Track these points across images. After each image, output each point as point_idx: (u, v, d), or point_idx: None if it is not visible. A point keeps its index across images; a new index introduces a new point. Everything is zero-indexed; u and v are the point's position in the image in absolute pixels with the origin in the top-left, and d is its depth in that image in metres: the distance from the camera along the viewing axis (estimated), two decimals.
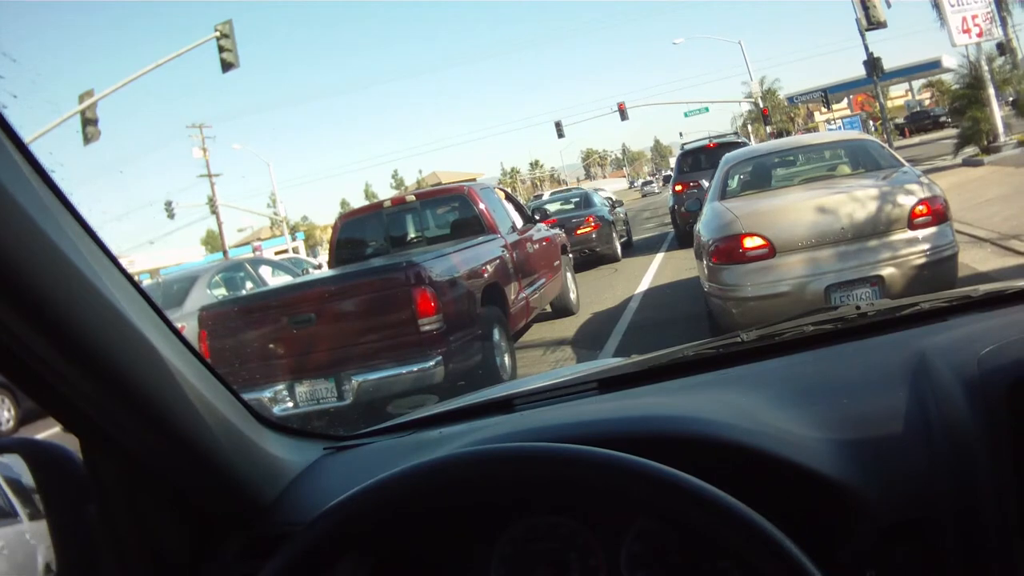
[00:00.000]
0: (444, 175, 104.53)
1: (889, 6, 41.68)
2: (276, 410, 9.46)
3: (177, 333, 1.75)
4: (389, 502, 1.42)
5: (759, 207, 9.87)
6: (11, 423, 17.43)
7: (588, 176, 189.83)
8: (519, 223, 14.48)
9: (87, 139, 31.97)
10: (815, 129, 78.67)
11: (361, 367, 9.45)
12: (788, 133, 76.75)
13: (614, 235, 26.08)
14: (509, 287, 11.99)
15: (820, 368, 2.12)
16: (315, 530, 1.41)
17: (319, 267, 26.09)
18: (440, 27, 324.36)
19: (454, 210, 13.93)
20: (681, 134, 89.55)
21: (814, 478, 1.59)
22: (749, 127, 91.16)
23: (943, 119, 63.92)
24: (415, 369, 9.31)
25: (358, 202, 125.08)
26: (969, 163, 29.72)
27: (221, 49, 31.61)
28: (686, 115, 79.73)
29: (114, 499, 1.73)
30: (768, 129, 71.02)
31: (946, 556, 1.48)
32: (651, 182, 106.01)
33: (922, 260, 8.72)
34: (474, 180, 24.24)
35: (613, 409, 2.10)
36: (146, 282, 23.44)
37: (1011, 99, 35.08)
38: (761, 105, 72.17)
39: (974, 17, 31.68)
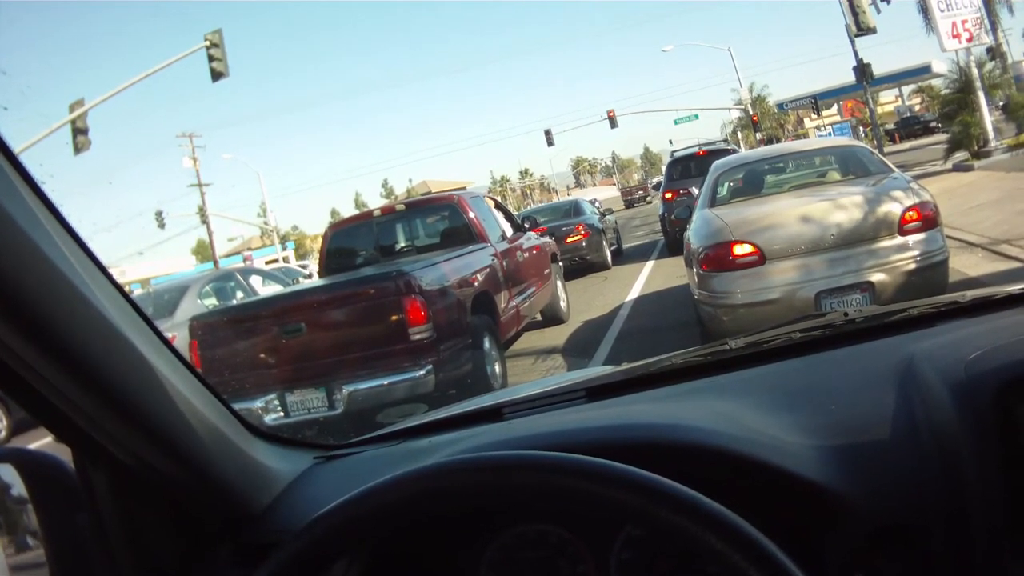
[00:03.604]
0: (434, 184, 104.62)
1: (879, 12, 41.78)
2: (267, 419, 9.47)
3: (167, 343, 1.75)
4: (377, 510, 1.42)
5: (749, 214, 9.87)
6: (3, 433, 17.42)
7: (578, 184, 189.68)
8: (509, 232, 14.49)
9: (77, 149, 31.96)
10: (805, 135, 78.63)
11: (351, 376, 9.46)
12: (778, 140, 76.77)
13: (604, 243, 26.07)
14: (499, 296, 12.00)
15: (808, 375, 2.13)
16: (304, 538, 1.42)
17: (309, 276, 26.07)
18: (430, 36, 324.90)
19: (444, 219, 13.95)
20: (671, 141, 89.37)
21: (802, 484, 1.59)
22: (739, 134, 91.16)
23: (933, 124, 64.02)
24: (405, 378, 9.31)
25: (348, 211, 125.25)
26: (959, 168, 29.78)
27: (211, 58, 31.65)
28: (676, 123, 79.87)
29: (106, 508, 1.73)
30: (758, 136, 71.14)
31: (934, 560, 1.48)
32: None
33: (912, 266, 8.74)
34: (464, 189, 24.23)
35: (602, 417, 2.10)
36: (136, 292, 23.40)
37: (1001, 103, 35.26)
38: (751, 112, 72.33)
39: (963, 22, 31.78)
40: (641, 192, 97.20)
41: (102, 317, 1.51)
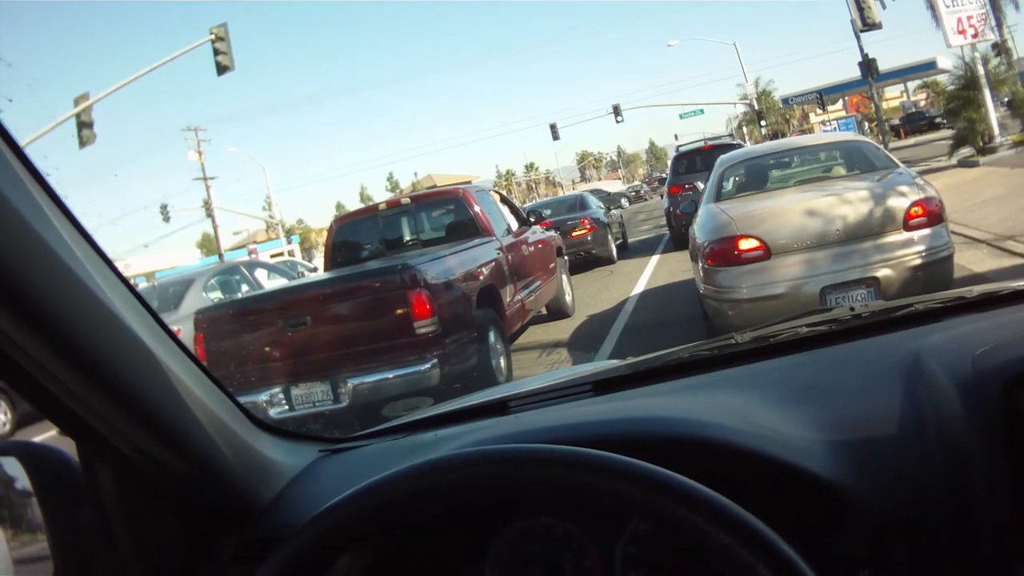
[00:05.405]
0: (439, 178, 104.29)
1: (884, 7, 41.68)
2: (272, 413, 9.48)
3: (172, 336, 1.75)
4: (383, 504, 1.42)
5: (754, 209, 9.86)
6: (7, 426, 17.42)
7: (583, 178, 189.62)
8: (514, 225, 14.48)
9: (82, 142, 31.96)
10: (810, 131, 78.53)
11: (357, 370, 9.46)
12: (783, 135, 76.69)
13: (609, 237, 26.08)
14: (505, 289, 12.00)
15: (814, 369, 2.13)
16: (309, 532, 1.41)
17: (314, 270, 26.05)
18: (435, 30, 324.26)
19: (449, 213, 13.93)
20: (676, 136, 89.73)
21: (807, 478, 1.59)
22: (744, 129, 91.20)
23: (938, 120, 63.91)
24: (411, 372, 9.31)
25: (353, 205, 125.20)
26: (964, 164, 29.74)
27: (216, 52, 31.60)
28: (681, 117, 79.95)
29: (110, 502, 1.73)
30: (763, 131, 71.06)
31: (941, 556, 1.48)
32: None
33: (917, 261, 8.72)
34: (469, 183, 24.16)
35: (608, 411, 2.10)
36: (142, 285, 23.39)
37: (1006, 100, 35.15)
38: (756, 107, 72.23)
39: (969, 18, 31.72)
40: (658, 183, 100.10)
41: (107, 310, 1.51)
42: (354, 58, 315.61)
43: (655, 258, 23.87)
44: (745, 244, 9.08)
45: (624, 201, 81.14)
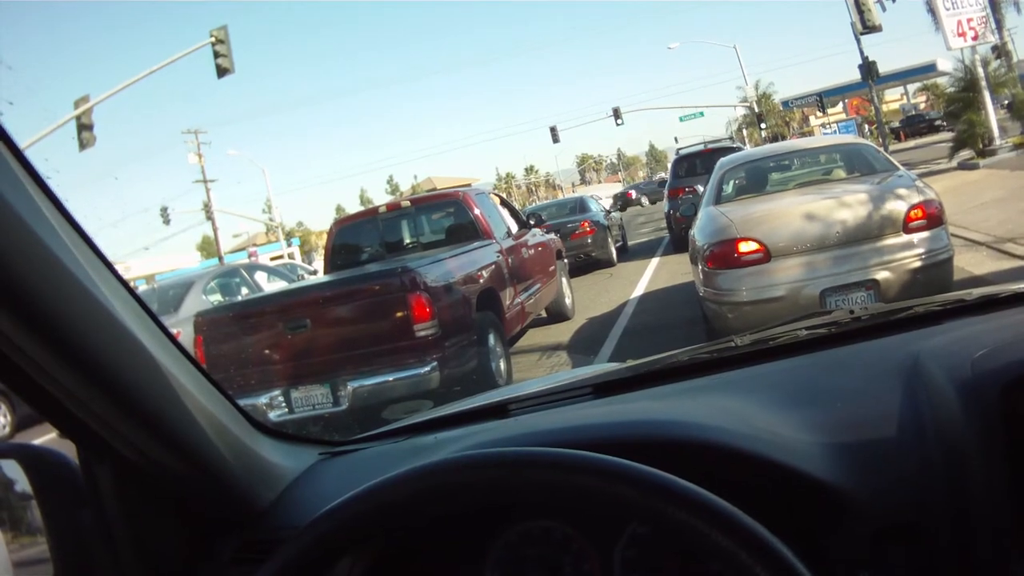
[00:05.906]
0: (439, 180, 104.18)
1: (884, 9, 41.65)
2: (272, 416, 9.47)
3: (173, 339, 1.75)
4: (383, 506, 1.42)
5: (754, 212, 9.86)
6: (7, 429, 17.40)
7: (583, 181, 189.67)
8: (514, 228, 14.49)
9: (83, 145, 31.98)
10: (810, 133, 78.55)
11: (356, 373, 9.45)
12: (783, 137, 76.76)
13: (609, 240, 26.07)
14: (504, 292, 11.99)
15: (814, 372, 2.12)
16: (310, 534, 1.41)
17: (314, 273, 26.03)
18: (435, 30, 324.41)
19: (449, 215, 13.92)
20: (676, 139, 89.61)
21: (807, 481, 1.59)
22: (744, 131, 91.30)
23: (938, 123, 64.03)
24: (410, 374, 9.31)
25: (353, 208, 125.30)
26: (964, 166, 29.74)
27: (216, 55, 31.60)
28: (681, 120, 79.77)
29: (110, 504, 1.73)
30: (763, 133, 71.09)
31: (939, 558, 1.48)
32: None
33: (917, 264, 8.72)
34: (469, 185, 24.14)
35: (608, 414, 2.10)
36: (142, 288, 23.38)
37: (1006, 102, 35.17)
38: (756, 109, 72.25)
39: (969, 20, 31.69)
40: (658, 185, 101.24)
41: (107, 313, 1.51)
42: (354, 58, 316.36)
43: (655, 261, 23.87)
44: (745, 247, 9.08)
45: None
